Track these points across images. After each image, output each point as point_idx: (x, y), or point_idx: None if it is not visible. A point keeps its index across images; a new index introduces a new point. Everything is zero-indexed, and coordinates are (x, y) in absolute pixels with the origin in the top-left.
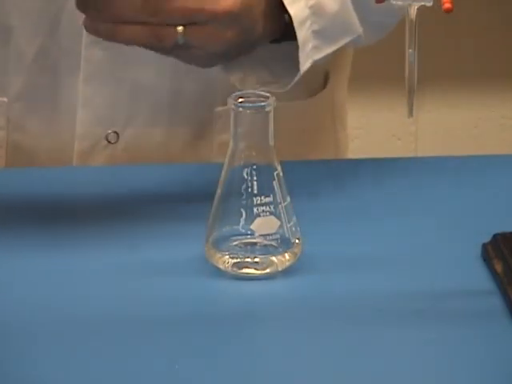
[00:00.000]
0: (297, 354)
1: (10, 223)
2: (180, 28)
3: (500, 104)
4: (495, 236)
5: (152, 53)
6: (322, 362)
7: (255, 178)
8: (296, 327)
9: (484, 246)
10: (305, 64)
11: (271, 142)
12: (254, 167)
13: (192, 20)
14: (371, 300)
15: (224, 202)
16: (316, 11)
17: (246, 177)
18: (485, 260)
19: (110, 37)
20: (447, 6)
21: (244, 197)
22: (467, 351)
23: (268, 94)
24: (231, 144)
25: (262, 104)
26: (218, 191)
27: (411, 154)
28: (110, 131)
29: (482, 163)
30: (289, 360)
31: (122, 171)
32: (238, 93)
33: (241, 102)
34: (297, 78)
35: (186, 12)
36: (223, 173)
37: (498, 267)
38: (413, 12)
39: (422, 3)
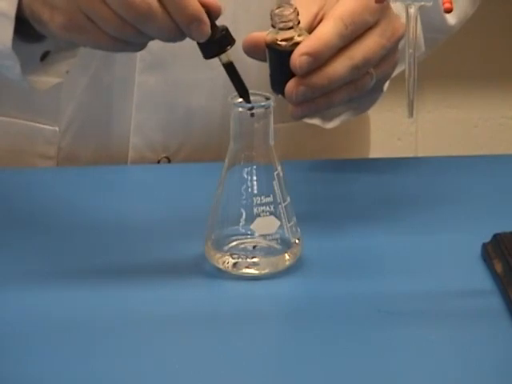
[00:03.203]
0: (297, 354)
1: (14, 222)
2: (373, 70)
3: (500, 104)
4: (495, 236)
5: (204, 78)
6: (322, 361)
7: (255, 178)
8: (296, 327)
9: (484, 245)
10: (386, 82)
11: (271, 142)
12: (254, 167)
13: (386, 53)
14: (371, 300)
15: (224, 202)
16: None
17: (245, 177)
18: (485, 260)
19: (327, 108)
20: (447, 6)
21: (244, 197)
22: (467, 351)
23: (268, 94)
24: (231, 144)
25: (262, 104)
26: (218, 191)
27: (411, 154)
28: (162, 157)
29: (482, 163)
30: (289, 360)
31: (122, 172)
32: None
33: (241, 102)
34: (381, 97)
35: (383, 48)
36: (223, 173)
37: (498, 267)
38: (413, 12)
39: (422, 3)
